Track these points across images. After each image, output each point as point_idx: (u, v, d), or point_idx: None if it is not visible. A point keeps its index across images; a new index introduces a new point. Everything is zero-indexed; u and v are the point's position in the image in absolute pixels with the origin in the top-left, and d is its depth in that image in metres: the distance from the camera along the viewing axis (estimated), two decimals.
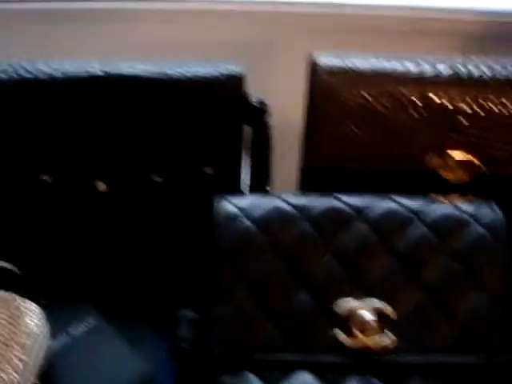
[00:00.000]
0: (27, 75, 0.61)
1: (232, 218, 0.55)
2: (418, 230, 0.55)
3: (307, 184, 0.63)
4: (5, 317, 0.53)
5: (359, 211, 0.56)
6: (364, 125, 0.60)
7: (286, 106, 0.72)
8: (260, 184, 0.65)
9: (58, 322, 0.57)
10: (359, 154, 0.60)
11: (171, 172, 0.62)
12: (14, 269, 0.62)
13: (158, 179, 0.62)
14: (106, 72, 0.60)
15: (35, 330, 0.53)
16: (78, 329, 0.60)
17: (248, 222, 0.55)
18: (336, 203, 0.56)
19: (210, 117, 0.59)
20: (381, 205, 0.56)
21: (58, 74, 0.60)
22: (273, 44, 0.99)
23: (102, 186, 0.63)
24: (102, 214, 0.64)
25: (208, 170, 0.62)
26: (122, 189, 0.63)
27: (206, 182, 0.62)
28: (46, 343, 0.54)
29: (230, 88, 0.58)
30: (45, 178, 0.63)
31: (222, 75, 0.59)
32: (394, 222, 0.55)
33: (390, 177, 0.61)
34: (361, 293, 0.53)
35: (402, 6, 0.92)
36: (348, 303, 0.53)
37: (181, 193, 0.63)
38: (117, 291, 0.65)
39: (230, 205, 0.56)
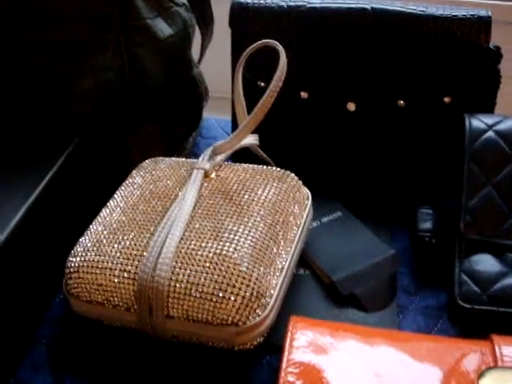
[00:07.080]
0: (300, 3, 0.73)
1: (480, 129, 0.65)
2: None
3: None
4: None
5: None
6: None
7: None
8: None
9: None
10: None
11: (415, 99, 0.72)
12: None
13: (402, 104, 0.73)
14: (372, 7, 0.71)
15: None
16: (329, 217, 0.71)
17: (494, 135, 0.65)
18: None
19: (457, 52, 0.69)
20: None
21: (330, 4, 0.72)
22: None
23: (351, 107, 0.74)
24: (351, 130, 0.75)
25: (447, 100, 0.72)
26: (370, 110, 0.73)
27: (444, 110, 0.72)
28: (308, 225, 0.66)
29: (479, 28, 0.68)
30: (303, 94, 0.75)
31: (473, 16, 0.69)
32: None
33: None
34: None
35: None
36: None
37: (421, 118, 0.73)
38: (364, 194, 0.76)
39: (478, 121, 0.66)
